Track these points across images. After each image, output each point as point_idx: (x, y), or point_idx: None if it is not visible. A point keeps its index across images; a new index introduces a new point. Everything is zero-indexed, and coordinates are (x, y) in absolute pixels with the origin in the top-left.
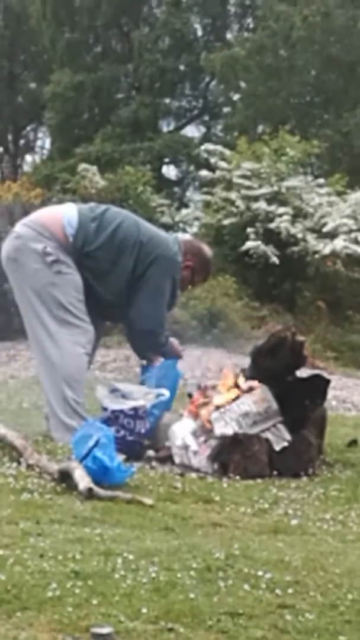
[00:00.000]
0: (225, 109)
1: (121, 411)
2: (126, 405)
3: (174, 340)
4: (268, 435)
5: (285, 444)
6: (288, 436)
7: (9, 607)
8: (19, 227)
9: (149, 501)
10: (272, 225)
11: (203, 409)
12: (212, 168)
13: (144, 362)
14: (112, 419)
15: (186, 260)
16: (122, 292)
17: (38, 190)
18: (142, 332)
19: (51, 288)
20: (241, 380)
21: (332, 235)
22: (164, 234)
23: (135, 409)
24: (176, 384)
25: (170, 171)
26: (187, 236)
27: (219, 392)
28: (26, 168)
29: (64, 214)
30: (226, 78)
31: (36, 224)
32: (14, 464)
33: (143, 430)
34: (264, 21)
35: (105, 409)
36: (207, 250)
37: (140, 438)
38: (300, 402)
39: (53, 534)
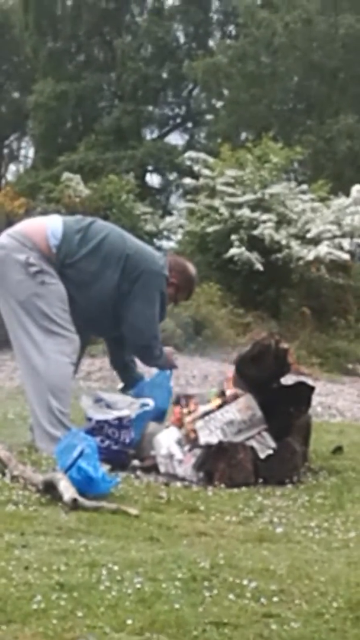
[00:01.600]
0: (208, 117)
1: (106, 421)
2: (111, 415)
3: (168, 349)
4: (253, 443)
5: (270, 451)
6: (273, 444)
7: None
8: (3, 238)
9: (134, 511)
10: (256, 232)
11: (187, 418)
12: (195, 175)
13: (120, 386)
14: (97, 429)
15: (171, 277)
16: (105, 306)
17: (22, 200)
18: (137, 347)
19: (35, 299)
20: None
21: (316, 241)
22: (150, 248)
23: (119, 418)
24: (169, 396)
25: (153, 179)
26: (170, 251)
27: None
28: (10, 177)
29: (48, 225)
30: (209, 85)
31: (19, 235)
32: None
33: (128, 440)
34: (246, 28)
35: (89, 419)
36: (192, 268)
37: (125, 448)
38: (285, 409)
39: (38, 545)
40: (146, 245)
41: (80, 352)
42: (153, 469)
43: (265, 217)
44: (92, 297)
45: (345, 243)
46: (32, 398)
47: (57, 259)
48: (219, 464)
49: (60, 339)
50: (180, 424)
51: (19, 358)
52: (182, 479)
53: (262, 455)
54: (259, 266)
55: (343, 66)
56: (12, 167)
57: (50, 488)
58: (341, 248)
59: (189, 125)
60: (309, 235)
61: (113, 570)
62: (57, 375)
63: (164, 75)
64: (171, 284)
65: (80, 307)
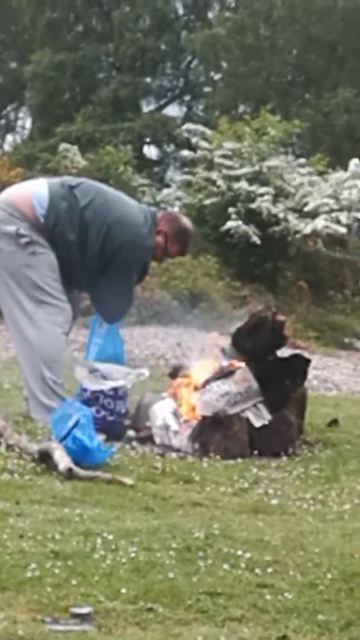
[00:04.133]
0: (207, 89)
1: (101, 392)
2: (106, 385)
3: None
4: (248, 415)
5: (266, 423)
6: (268, 416)
7: None
8: None
9: (129, 481)
10: (253, 205)
11: (183, 390)
12: (193, 148)
13: None
14: (92, 399)
15: (160, 225)
16: (90, 273)
17: (18, 170)
18: (104, 316)
19: (26, 269)
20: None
21: (313, 215)
22: (135, 212)
23: (115, 389)
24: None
25: (151, 151)
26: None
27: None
28: (7, 147)
29: (34, 194)
30: (207, 58)
31: (7, 205)
32: None
33: (123, 411)
34: (244, 0)
35: (85, 390)
36: (185, 221)
37: (120, 418)
38: (281, 382)
39: (33, 514)
40: (133, 207)
41: (72, 320)
42: (148, 439)
43: (262, 190)
44: (78, 264)
45: (343, 217)
46: (26, 369)
47: (46, 228)
48: (215, 435)
49: (52, 308)
50: (176, 396)
51: (12, 330)
52: (178, 450)
53: (257, 427)
54: (256, 239)
55: (342, 40)
56: (9, 138)
57: (45, 457)
58: (338, 222)
59: (187, 97)
60: (306, 209)
61: (108, 540)
62: (49, 346)
63: (163, 46)
64: (159, 232)
65: (68, 272)
